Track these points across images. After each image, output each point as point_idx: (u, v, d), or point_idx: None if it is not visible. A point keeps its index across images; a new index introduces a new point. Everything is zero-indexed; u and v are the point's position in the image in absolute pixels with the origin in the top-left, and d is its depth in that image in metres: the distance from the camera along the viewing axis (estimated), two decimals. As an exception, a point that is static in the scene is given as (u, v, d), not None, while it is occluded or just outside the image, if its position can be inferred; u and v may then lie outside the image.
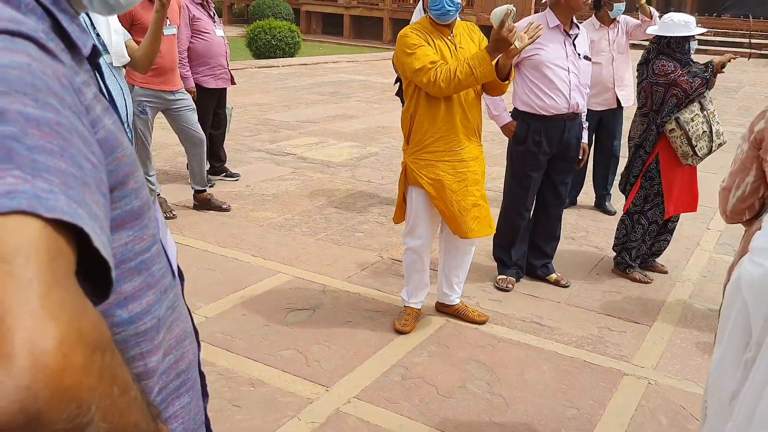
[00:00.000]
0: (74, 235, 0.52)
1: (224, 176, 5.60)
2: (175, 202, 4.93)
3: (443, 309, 3.45)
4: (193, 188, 4.84)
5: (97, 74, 0.74)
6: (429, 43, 2.93)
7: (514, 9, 2.73)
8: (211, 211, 4.81)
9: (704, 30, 3.94)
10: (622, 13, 5.15)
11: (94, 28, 2.92)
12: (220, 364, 2.90)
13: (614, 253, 4.13)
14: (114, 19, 3.07)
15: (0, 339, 0.42)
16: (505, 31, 2.71)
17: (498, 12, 2.74)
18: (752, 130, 1.85)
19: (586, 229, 4.91)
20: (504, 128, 3.71)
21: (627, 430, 2.60)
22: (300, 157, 6.56)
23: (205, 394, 1.00)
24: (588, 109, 5.04)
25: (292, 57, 15.02)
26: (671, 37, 3.66)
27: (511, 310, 3.55)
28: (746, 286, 1.28)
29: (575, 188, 5.42)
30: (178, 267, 0.95)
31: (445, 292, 3.40)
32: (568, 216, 5.17)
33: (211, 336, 3.11)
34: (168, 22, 4.19)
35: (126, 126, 3.09)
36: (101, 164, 0.60)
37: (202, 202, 4.85)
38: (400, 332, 3.23)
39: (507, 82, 2.94)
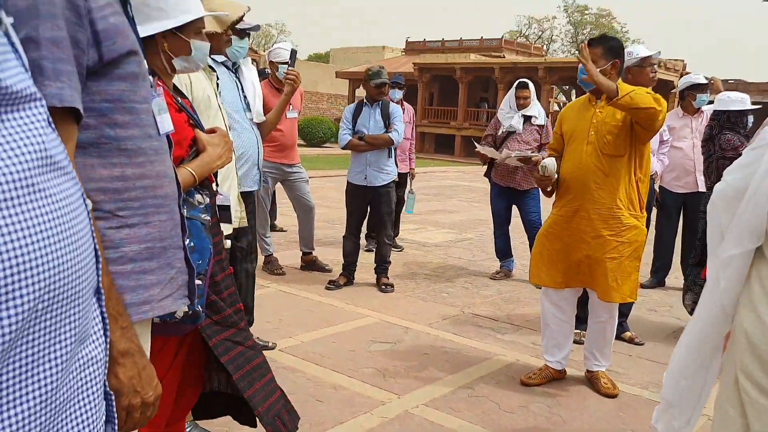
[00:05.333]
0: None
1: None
2: (285, 264, 5.58)
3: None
4: (301, 250, 5.48)
5: None
6: (569, 119, 3.31)
7: (551, 167, 3.20)
8: (315, 272, 5.39)
9: (759, 106, 4.20)
10: (706, 104, 5.44)
11: (243, 90, 3.61)
12: (309, 373, 3.33)
13: (694, 320, 4.21)
14: (258, 88, 3.82)
15: None
16: (542, 178, 3.21)
17: (548, 164, 3.20)
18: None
19: (671, 305, 4.97)
20: None
21: (680, 450, 2.69)
22: (399, 238, 7.12)
23: None
24: (670, 192, 5.31)
25: (403, 167, 16.10)
26: (730, 111, 3.95)
27: (582, 357, 3.72)
28: (716, 199, 1.60)
29: (663, 270, 5.52)
30: None
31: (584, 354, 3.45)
32: (654, 293, 5.28)
33: (304, 353, 3.57)
34: (291, 107, 5.04)
35: (258, 168, 3.66)
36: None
37: (309, 263, 5.46)
38: (523, 383, 3.30)
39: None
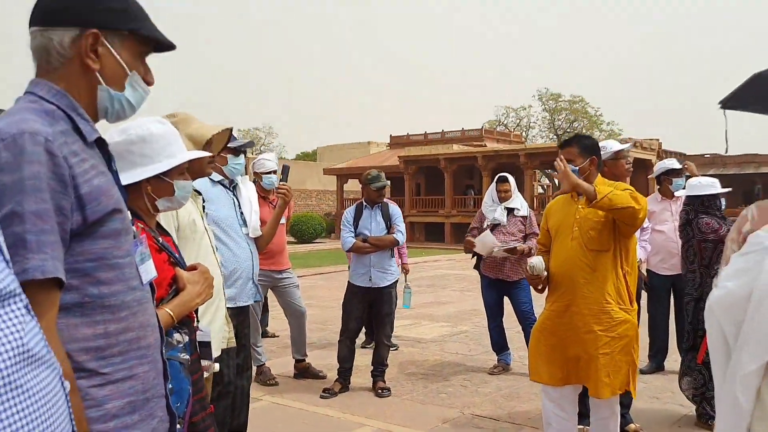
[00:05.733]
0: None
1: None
2: (277, 372, 5.46)
3: None
4: (294, 357, 5.39)
5: (103, 153, 1.29)
6: (554, 215, 3.39)
7: (539, 266, 3.27)
8: (309, 379, 5.28)
9: (729, 189, 4.31)
10: (682, 188, 5.57)
11: (240, 207, 3.64)
12: (306, 494, 3.19)
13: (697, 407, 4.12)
14: (255, 204, 3.84)
15: None
16: (532, 276, 3.29)
17: (536, 263, 3.27)
18: (740, 231, 2.18)
19: (673, 391, 4.88)
20: None
21: None
22: (394, 335, 7.02)
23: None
24: (658, 275, 5.34)
25: (394, 259, 16.14)
26: (703, 196, 4.06)
27: (587, 456, 3.61)
28: (714, 306, 1.58)
29: (660, 353, 5.46)
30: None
31: None
32: (655, 380, 5.19)
33: (300, 472, 3.44)
34: (278, 214, 5.10)
35: (253, 283, 3.64)
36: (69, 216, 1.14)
37: (302, 371, 5.35)
38: None
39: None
